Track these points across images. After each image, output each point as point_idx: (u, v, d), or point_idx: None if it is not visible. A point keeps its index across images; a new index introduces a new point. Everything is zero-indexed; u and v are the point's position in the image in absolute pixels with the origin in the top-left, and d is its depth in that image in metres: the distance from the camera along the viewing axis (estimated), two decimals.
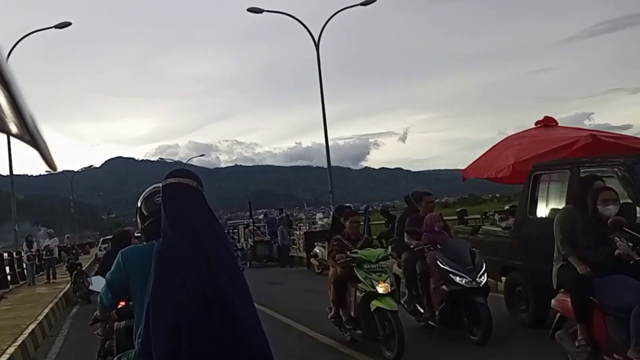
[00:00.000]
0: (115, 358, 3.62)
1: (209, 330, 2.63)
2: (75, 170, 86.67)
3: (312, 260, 19.17)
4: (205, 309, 2.63)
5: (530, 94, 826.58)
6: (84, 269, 20.34)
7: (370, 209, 38.51)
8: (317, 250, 18.89)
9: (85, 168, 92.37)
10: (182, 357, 2.58)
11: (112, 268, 3.18)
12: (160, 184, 3.03)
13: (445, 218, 9.29)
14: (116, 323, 4.32)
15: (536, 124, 9.90)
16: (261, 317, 2.91)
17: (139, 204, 3.35)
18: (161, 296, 2.67)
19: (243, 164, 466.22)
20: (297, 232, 23.09)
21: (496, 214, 9.81)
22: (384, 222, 21.14)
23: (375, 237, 21.04)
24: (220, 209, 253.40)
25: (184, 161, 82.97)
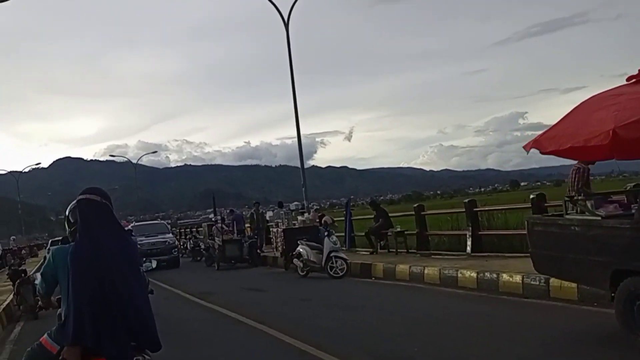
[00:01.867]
0: (46, 333, 4.09)
1: (104, 308, 3.67)
2: (22, 170, 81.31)
3: (295, 261, 16.33)
4: (101, 294, 3.67)
5: (467, 94, 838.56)
6: (30, 275, 16.87)
7: (318, 207, 35.48)
8: (302, 250, 16.09)
9: (33, 168, 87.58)
10: (86, 327, 3.64)
11: (45, 263, 4.12)
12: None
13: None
14: (58, 310, 4.32)
15: (628, 79, 6.98)
16: (268, 342, 4.19)
17: (67, 213, 4.13)
18: (73, 284, 3.72)
19: (192, 164, 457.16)
20: (274, 230, 19.88)
21: (587, 201, 6.99)
22: (372, 216, 18.45)
23: (364, 233, 18.43)
24: (170, 208, 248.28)
25: (134, 160, 78.71)
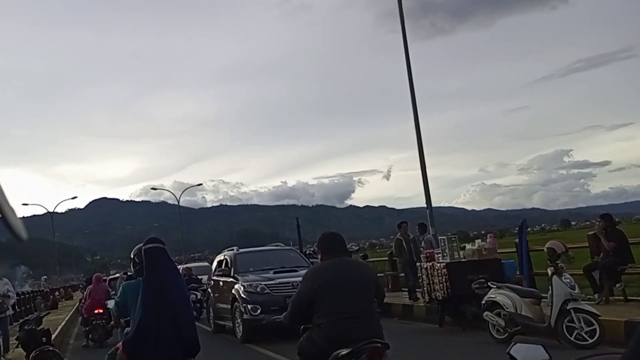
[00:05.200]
0: (113, 348, 5.60)
1: (166, 329, 5.04)
2: (60, 212, 76.60)
3: (486, 315, 9.74)
4: (163, 316, 5.06)
5: (509, 132, 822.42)
6: (56, 333, 10.21)
7: (357, 247, 29.45)
8: (501, 297, 9.48)
9: (69, 209, 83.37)
10: (149, 340, 5.04)
11: (118, 293, 5.93)
12: (143, 245, 5.37)
13: None
14: (126, 329, 5.89)
15: None
16: None
17: (132, 255, 5.54)
18: (143, 309, 5.07)
19: (229, 204, 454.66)
20: (425, 264, 12.45)
21: None
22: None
23: (582, 268, 11.71)
24: (206, 249, 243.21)
25: (169, 202, 73.51)
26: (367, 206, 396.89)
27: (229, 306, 13.44)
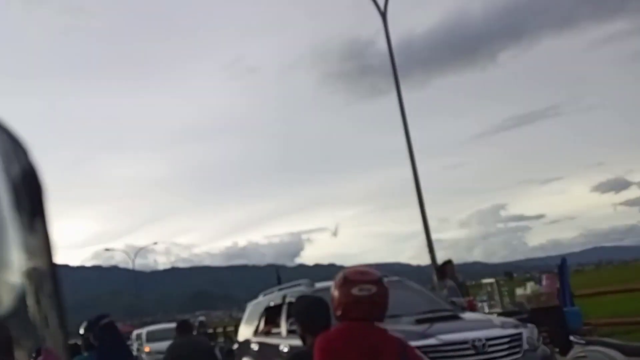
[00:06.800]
0: None
1: None
2: None
3: None
4: None
5: (449, 187, 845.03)
6: None
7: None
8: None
9: None
10: None
11: None
12: (95, 320, 5.33)
13: None
14: None
15: None
16: None
17: (82, 331, 5.42)
18: None
19: (181, 266, 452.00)
20: None
21: None
22: None
23: None
24: (158, 312, 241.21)
25: (120, 265, 76.66)
26: (317, 264, 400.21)
27: None
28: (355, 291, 2.99)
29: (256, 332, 8.82)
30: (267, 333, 8.40)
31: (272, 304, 8.51)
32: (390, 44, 16.12)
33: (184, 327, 6.49)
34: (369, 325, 3.04)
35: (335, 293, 3.05)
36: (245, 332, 9.48)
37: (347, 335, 2.99)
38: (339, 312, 3.06)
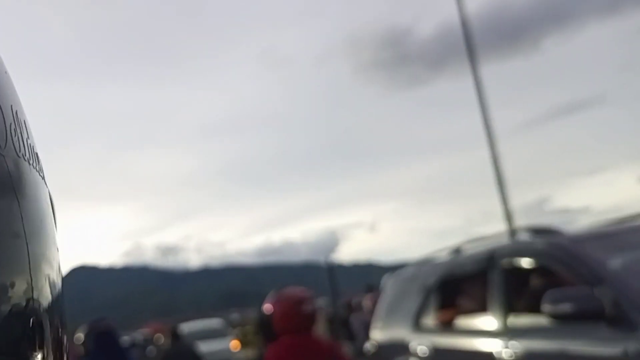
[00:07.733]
0: None
1: None
2: None
3: None
4: None
5: (490, 180, 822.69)
6: None
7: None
8: None
9: None
10: None
11: None
12: (92, 325, 5.08)
13: None
14: None
15: None
16: None
17: (82, 336, 5.06)
18: None
19: (212, 264, 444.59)
20: None
21: None
22: None
23: None
24: (190, 310, 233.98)
25: (150, 265, 66.93)
26: (353, 261, 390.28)
27: None
28: (303, 308, 3.50)
29: (423, 327, 5.31)
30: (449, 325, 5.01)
31: (458, 272, 5.16)
32: (464, 21, 13.97)
33: (174, 334, 7.55)
34: (309, 336, 3.56)
35: (283, 310, 3.51)
36: (391, 327, 5.87)
37: (297, 347, 3.48)
38: (283, 327, 3.52)
